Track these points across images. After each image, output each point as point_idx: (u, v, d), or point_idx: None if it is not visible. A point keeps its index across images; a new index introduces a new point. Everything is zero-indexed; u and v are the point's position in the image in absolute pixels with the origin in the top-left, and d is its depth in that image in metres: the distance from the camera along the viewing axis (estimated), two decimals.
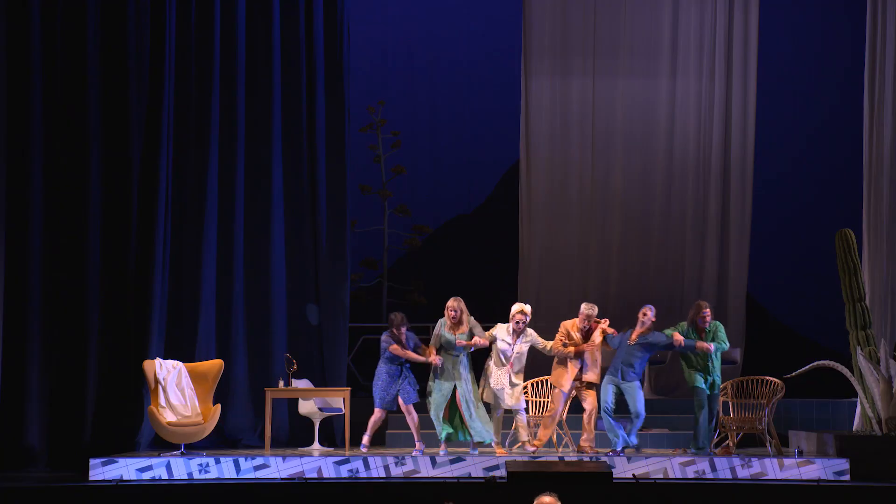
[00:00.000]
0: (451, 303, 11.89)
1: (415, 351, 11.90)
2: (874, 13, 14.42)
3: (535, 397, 12.46)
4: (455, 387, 11.78)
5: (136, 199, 12.91)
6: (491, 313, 12.70)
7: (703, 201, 15.69)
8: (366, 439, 11.99)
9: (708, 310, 11.94)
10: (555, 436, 12.34)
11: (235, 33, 13.40)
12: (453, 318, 11.83)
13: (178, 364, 12.15)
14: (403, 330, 11.89)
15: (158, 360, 12.09)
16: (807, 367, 12.42)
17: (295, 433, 12.99)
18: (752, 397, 12.12)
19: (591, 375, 12.02)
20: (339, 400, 12.47)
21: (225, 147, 13.33)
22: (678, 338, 11.74)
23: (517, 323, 11.85)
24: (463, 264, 20.10)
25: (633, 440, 11.74)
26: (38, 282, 12.63)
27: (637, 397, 11.75)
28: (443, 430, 11.78)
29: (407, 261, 19.32)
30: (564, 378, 12.00)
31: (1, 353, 12.38)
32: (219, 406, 12.04)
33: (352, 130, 14.01)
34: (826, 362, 12.38)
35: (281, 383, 12.41)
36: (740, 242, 15.65)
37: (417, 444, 11.81)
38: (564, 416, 12.34)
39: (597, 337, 12.07)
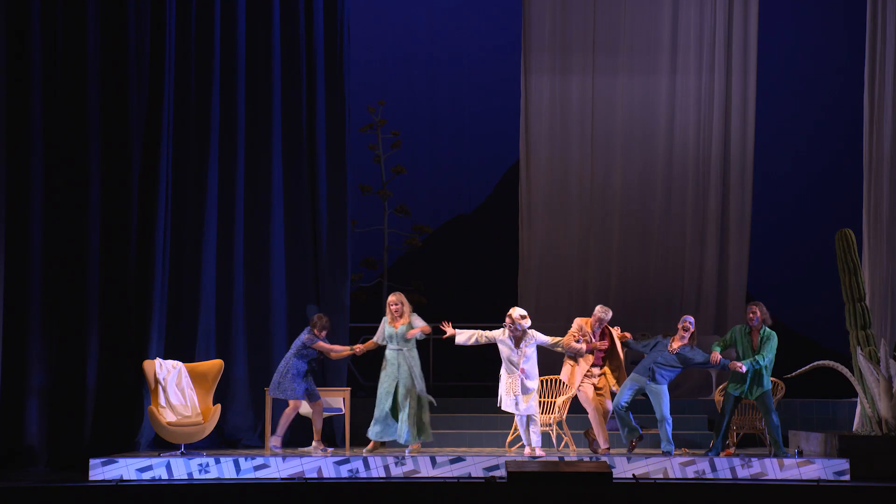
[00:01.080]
0: (392, 298, 12.03)
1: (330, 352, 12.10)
2: (874, 12, 14.41)
3: (542, 397, 12.42)
4: (398, 383, 11.84)
5: (136, 199, 12.91)
6: (491, 313, 12.69)
7: (703, 200, 15.70)
8: (279, 440, 12.03)
9: (755, 307, 11.74)
10: (554, 436, 12.34)
11: (235, 33, 13.40)
12: (395, 311, 11.90)
13: (178, 364, 12.15)
14: (324, 334, 12.08)
15: (158, 360, 12.09)
16: (807, 367, 12.42)
17: (295, 433, 12.99)
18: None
19: (612, 379, 12.05)
20: (339, 400, 12.47)
21: (225, 147, 13.33)
22: (715, 357, 11.65)
23: (513, 329, 11.75)
24: (463, 264, 20.11)
25: (669, 446, 11.66)
26: (38, 281, 12.62)
27: (664, 402, 11.70)
28: (373, 428, 11.84)
29: (407, 261, 19.32)
30: (576, 374, 11.96)
31: (1, 352, 12.38)
32: (219, 406, 12.04)
33: (352, 130, 14.01)
34: (826, 362, 12.38)
35: None
36: (740, 241, 15.66)
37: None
38: (564, 416, 12.34)
39: (617, 343, 12.09)
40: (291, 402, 12.16)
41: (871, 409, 12.12)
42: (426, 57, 20.38)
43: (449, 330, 11.89)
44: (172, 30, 13.17)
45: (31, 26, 12.74)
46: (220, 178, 13.30)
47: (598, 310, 12.14)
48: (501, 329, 11.81)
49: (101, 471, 11.10)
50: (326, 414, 12.62)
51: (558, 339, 11.94)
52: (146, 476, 11.11)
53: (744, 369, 11.56)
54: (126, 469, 11.12)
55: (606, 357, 12.10)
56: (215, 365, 12.26)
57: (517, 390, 11.69)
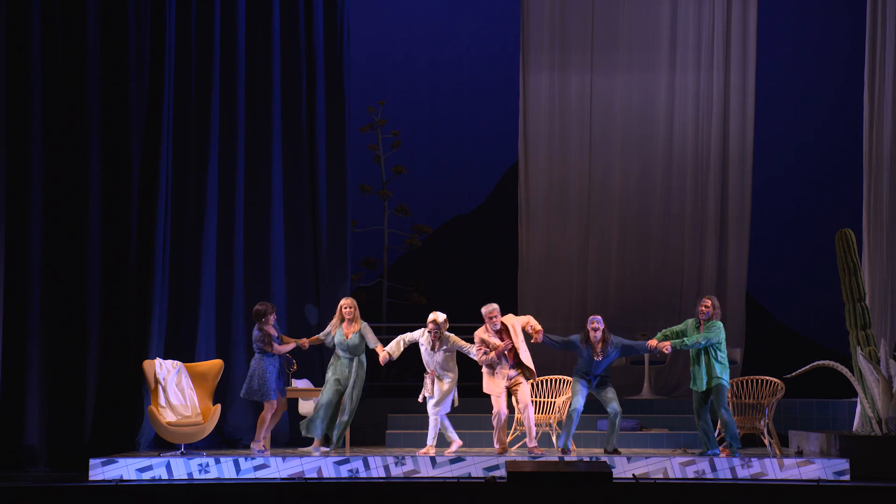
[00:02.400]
0: (346, 301, 12.00)
1: (281, 342, 11.92)
2: (874, 12, 14.41)
3: (538, 397, 12.44)
4: (344, 387, 11.88)
5: (136, 199, 12.91)
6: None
7: (703, 199, 15.70)
8: (265, 441, 11.92)
9: (708, 301, 11.72)
10: (554, 436, 12.34)
11: (235, 33, 13.40)
12: (348, 314, 11.92)
13: (178, 364, 12.15)
14: (272, 318, 11.84)
15: (158, 360, 12.09)
16: (807, 367, 12.42)
17: (295, 433, 12.98)
18: (752, 397, 12.12)
19: (523, 365, 11.89)
20: None
21: (225, 147, 13.33)
22: (651, 344, 11.71)
23: (430, 332, 11.81)
24: (463, 264, 20.11)
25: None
26: (38, 281, 12.62)
27: (610, 397, 11.77)
28: (319, 428, 11.83)
29: (407, 261, 19.32)
30: (494, 384, 11.85)
31: (1, 352, 12.38)
32: (219, 406, 12.04)
33: (352, 130, 14.01)
34: (826, 362, 12.38)
35: None
36: (739, 241, 15.66)
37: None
38: (564, 416, 12.33)
39: (518, 330, 11.86)
40: (266, 404, 11.89)
41: (871, 409, 12.12)
42: (426, 57, 20.39)
43: (382, 357, 11.86)
44: (172, 30, 13.17)
45: (31, 26, 12.73)
46: (220, 178, 13.30)
47: (483, 310, 11.92)
48: (422, 330, 11.90)
49: (101, 471, 11.10)
50: None
51: (472, 346, 11.88)
52: (146, 476, 11.11)
53: (669, 350, 11.65)
54: (126, 469, 11.12)
55: (514, 354, 11.96)
56: (215, 365, 12.27)
57: (430, 391, 11.81)
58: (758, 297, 18.47)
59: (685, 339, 11.62)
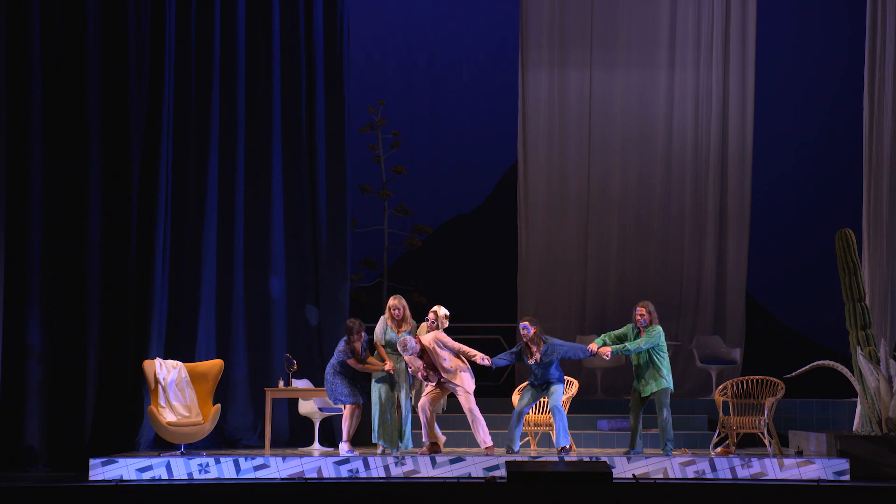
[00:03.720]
0: (393, 301, 11.81)
1: (365, 353, 11.78)
2: (874, 12, 14.41)
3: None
4: (399, 389, 11.75)
5: (136, 199, 12.91)
6: (491, 313, 12.70)
7: (702, 199, 15.71)
8: (348, 443, 11.86)
9: (643, 308, 11.70)
10: (554, 436, 12.32)
11: (235, 33, 13.41)
12: (397, 315, 11.76)
13: (178, 364, 12.15)
14: (363, 335, 11.72)
15: (158, 360, 12.10)
16: (807, 367, 12.42)
17: (295, 433, 12.99)
18: (752, 397, 12.12)
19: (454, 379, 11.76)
20: None
21: (225, 147, 13.34)
22: (592, 349, 11.66)
23: (428, 323, 11.79)
24: (463, 264, 20.09)
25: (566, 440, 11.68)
26: (38, 281, 12.62)
27: (556, 395, 11.70)
28: (380, 438, 11.64)
29: (407, 261, 19.31)
30: (427, 394, 11.82)
31: (1, 352, 12.37)
32: (219, 406, 12.04)
33: (352, 130, 14.01)
34: (826, 362, 12.37)
35: (281, 383, 12.42)
36: (739, 240, 15.67)
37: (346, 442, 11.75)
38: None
39: (430, 349, 11.70)
40: (347, 407, 11.79)
41: (871, 409, 12.12)
42: (426, 57, 20.37)
43: (388, 366, 11.69)
44: (172, 30, 13.17)
45: (31, 26, 12.73)
46: (220, 178, 13.30)
47: (400, 344, 11.63)
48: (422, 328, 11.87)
49: (101, 471, 11.10)
50: (327, 414, 12.62)
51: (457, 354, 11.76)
52: (146, 476, 11.11)
53: (609, 356, 11.65)
54: (126, 469, 11.12)
55: (431, 369, 11.82)
56: (215, 365, 12.27)
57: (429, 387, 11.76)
58: (758, 297, 18.45)
59: (627, 344, 11.65)
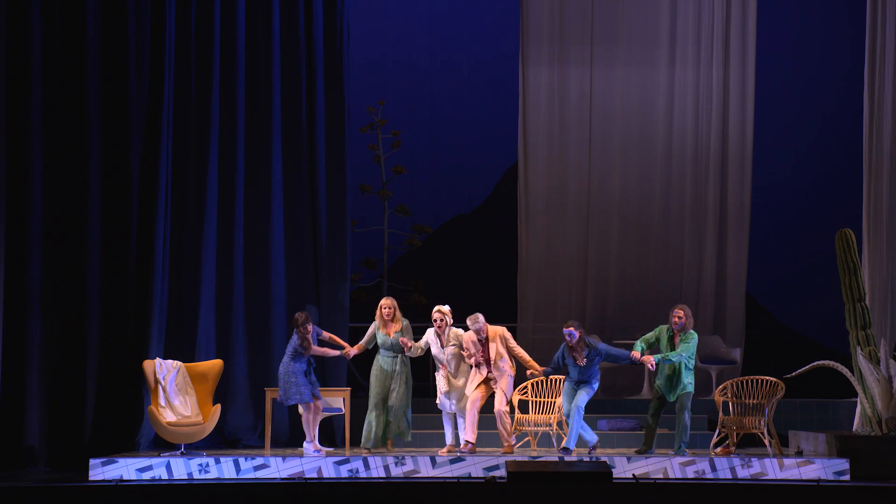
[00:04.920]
0: (385, 301, 12.00)
1: (321, 344, 11.98)
2: (874, 12, 14.40)
3: (536, 397, 12.43)
4: (390, 387, 11.86)
5: (136, 199, 12.91)
6: (491, 313, 12.69)
7: (702, 198, 15.69)
8: (316, 443, 11.89)
9: (680, 311, 11.82)
10: (554, 436, 12.33)
11: (235, 33, 13.40)
12: (387, 315, 11.89)
13: (178, 364, 12.15)
14: (310, 328, 11.86)
15: (158, 360, 12.10)
16: (807, 367, 12.42)
17: (295, 433, 12.99)
18: (752, 397, 12.11)
19: (500, 380, 11.94)
20: (339, 400, 12.46)
21: (225, 147, 13.33)
22: (634, 356, 11.69)
23: (435, 323, 11.90)
24: (463, 264, 20.09)
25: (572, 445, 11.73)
26: (38, 282, 12.62)
27: (583, 396, 11.75)
28: (370, 439, 11.77)
29: (407, 261, 19.30)
30: (472, 381, 11.91)
31: (1, 352, 12.37)
32: (219, 406, 12.04)
33: (352, 130, 14.01)
34: (826, 362, 12.38)
35: None
36: (739, 239, 15.66)
37: (314, 442, 11.81)
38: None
39: (493, 347, 11.93)
40: (302, 406, 11.93)
41: (871, 410, 12.12)
42: (426, 57, 20.37)
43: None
44: (172, 30, 13.17)
45: (31, 26, 12.73)
46: (220, 178, 13.30)
47: (469, 322, 11.97)
48: (429, 330, 11.97)
49: (101, 471, 11.10)
50: (326, 414, 12.62)
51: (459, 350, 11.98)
52: (146, 476, 11.11)
53: (653, 366, 11.65)
54: (126, 469, 11.12)
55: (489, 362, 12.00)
56: (215, 365, 12.27)
57: (444, 388, 11.87)
58: (758, 297, 18.46)
59: (669, 354, 11.68)
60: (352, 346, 12.25)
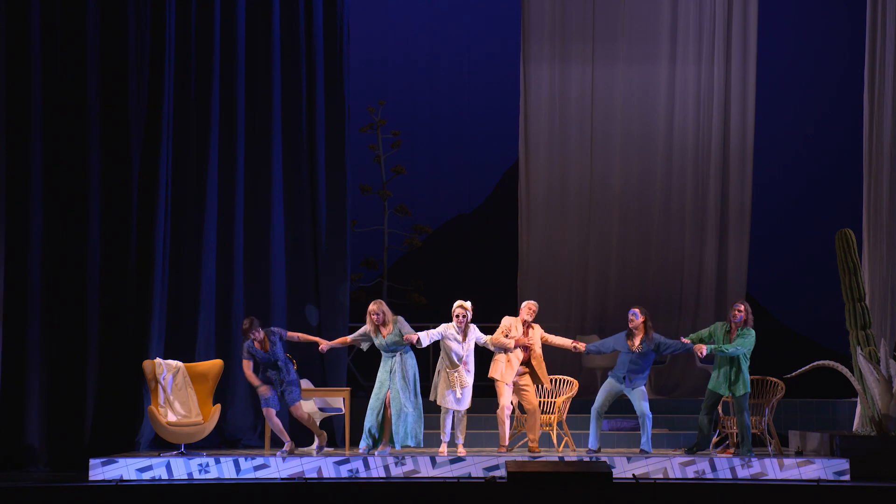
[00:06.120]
0: (372, 306, 11.72)
1: (291, 341, 11.90)
2: (874, 12, 14.41)
3: (541, 397, 12.41)
4: (388, 389, 11.68)
5: (136, 199, 12.91)
6: (491, 313, 12.69)
7: (703, 197, 15.70)
8: (289, 444, 11.85)
9: (742, 306, 11.75)
10: (555, 436, 12.34)
11: (235, 33, 13.41)
12: (376, 320, 11.68)
13: (178, 364, 12.16)
14: (258, 335, 11.67)
15: (158, 360, 12.10)
16: (807, 367, 12.42)
17: (295, 433, 12.98)
18: (753, 397, 12.11)
19: (535, 374, 12.00)
20: (339, 400, 12.47)
21: (225, 147, 13.34)
22: (694, 346, 11.69)
23: (459, 319, 11.75)
24: (463, 264, 20.08)
25: (648, 445, 11.70)
26: (38, 282, 12.63)
27: (644, 400, 11.75)
28: (367, 439, 11.64)
29: (407, 261, 19.30)
30: (508, 370, 11.90)
31: (1, 353, 12.38)
32: (219, 406, 12.05)
33: (352, 130, 14.02)
34: (826, 362, 12.38)
35: None
36: (740, 237, 15.66)
37: (287, 444, 11.77)
38: (565, 416, 12.32)
39: (537, 341, 12.00)
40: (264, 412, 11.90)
41: (871, 410, 12.12)
42: (426, 57, 20.36)
43: (406, 338, 11.73)
44: (172, 30, 13.17)
45: (31, 26, 12.74)
46: (220, 178, 13.31)
47: (526, 307, 12.05)
48: (450, 323, 11.80)
49: (101, 471, 11.11)
50: (327, 414, 12.62)
51: (489, 338, 11.93)
52: (146, 476, 11.11)
53: (705, 353, 11.59)
54: (126, 469, 11.13)
55: (529, 355, 12.04)
56: (215, 365, 12.27)
57: (460, 384, 11.72)
58: (758, 297, 18.44)
59: (724, 345, 11.59)
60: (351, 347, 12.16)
